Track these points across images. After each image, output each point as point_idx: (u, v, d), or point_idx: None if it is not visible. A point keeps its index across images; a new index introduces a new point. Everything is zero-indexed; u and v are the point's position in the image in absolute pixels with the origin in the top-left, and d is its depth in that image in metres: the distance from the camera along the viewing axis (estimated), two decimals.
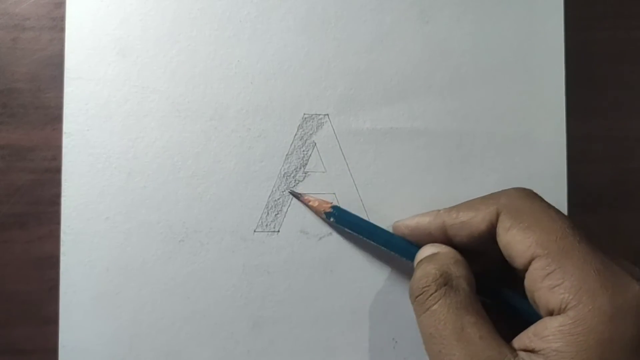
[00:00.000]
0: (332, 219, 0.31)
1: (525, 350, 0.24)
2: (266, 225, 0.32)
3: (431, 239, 0.29)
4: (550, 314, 0.24)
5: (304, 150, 0.32)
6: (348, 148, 0.33)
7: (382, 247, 0.31)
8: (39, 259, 0.32)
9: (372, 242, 0.31)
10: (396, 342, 0.32)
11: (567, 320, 0.23)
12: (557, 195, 0.33)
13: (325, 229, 0.32)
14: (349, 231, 0.32)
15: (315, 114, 0.32)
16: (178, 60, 0.32)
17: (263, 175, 0.32)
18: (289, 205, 0.32)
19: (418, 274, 0.27)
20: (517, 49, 0.33)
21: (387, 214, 0.32)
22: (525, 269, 0.25)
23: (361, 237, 0.31)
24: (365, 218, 0.32)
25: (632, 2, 0.37)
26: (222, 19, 0.32)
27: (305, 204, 0.32)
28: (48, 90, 0.33)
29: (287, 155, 0.32)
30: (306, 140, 0.32)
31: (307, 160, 0.32)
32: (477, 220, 0.27)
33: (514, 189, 0.28)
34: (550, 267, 0.24)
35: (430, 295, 0.26)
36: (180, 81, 0.32)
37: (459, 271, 0.26)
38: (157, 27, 0.32)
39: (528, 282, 0.25)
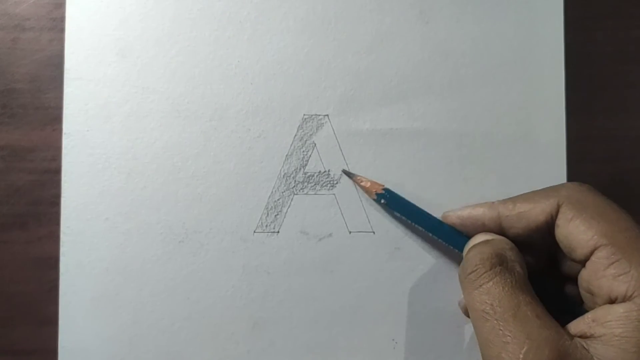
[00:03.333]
0: (382, 201, 0.31)
1: (581, 337, 0.24)
2: (266, 225, 0.32)
3: (482, 229, 0.29)
4: (612, 302, 0.24)
5: (303, 151, 0.32)
6: (348, 148, 0.33)
7: (431, 234, 0.31)
8: (38, 260, 0.32)
9: (420, 228, 0.31)
10: (396, 342, 0.32)
11: (634, 307, 0.23)
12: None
13: (325, 229, 0.32)
14: (398, 215, 0.32)
15: (315, 115, 0.32)
16: (178, 61, 0.32)
17: (263, 176, 0.32)
18: (289, 206, 0.32)
19: (471, 253, 0.27)
20: (517, 49, 0.33)
21: (387, 214, 0.32)
22: (586, 259, 0.25)
23: (410, 222, 0.31)
24: (365, 218, 0.32)
25: (632, 2, 0.37)
26: (221, 19, 0.32)
27: (358, 183, 0.32)
28: (48, 90, 0.33)
29: (287, 155, 0.32)
30: (306, 140, 0.32)
31: (307, 160, 0.32)
32: (535, 212, 0.27)
33: (572, 183, 0.28)
34: (616, 256, 0.24)
35: (485, 272, 0.26)
36: (180, 82, 0.32)
37: (513, 256, 0.27)
38: (156, 27, 0.32)
39: (588, 271, 0.25)
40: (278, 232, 0.32)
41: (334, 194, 0.32)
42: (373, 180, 0.32)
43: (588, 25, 0.36)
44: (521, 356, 0.23)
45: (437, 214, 0.32)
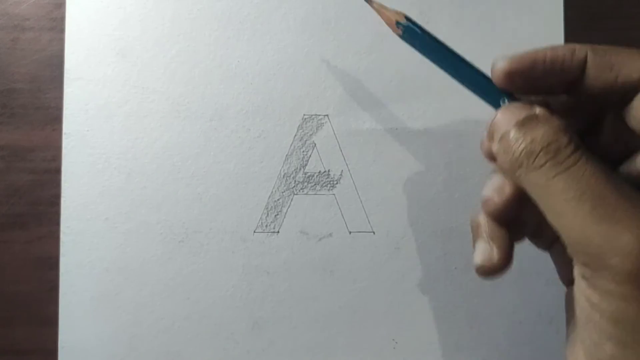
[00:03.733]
0: (401, 28, 0.26)
1: None
2: (266, 225, 0.32)
3: (558, 76, 0.24)
4: None
5: (303, 151, 0.32)
6: (348, 148, 0.33)
7: (457, 80, 0.26)
8: (38, 260, 0.32)
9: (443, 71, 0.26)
10: (396, 342, 0.32)
11: None
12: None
13: (325, 229, 0.32)
14: (419, 52, 0.26)
15: (315, 115, 0.32)
16: (178, 61, 0.32)
17: (263, 176, 0.32)
18: (289, 206, 0.32)
19: (538, 125, 0.21)
20: (517, 49, 0.33)
21: (387, 214, 0.32)
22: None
23: (432, 61, 0.26)
24: (365, 218, 0.32)
25: (632, 2, 0.37)
26: (221, 19, 0.32)
27: (376, 10, 0.27)
28: (48, 90, 0.33)
29: (287, 155, 0.32)
30: (306, 140, 0.32)
31: (307, 160, 0.32)
32: (632, 66, 0.23)
33: None
34: None
35: (567, 149, 0.21)
36: (180, 82, 0.32)
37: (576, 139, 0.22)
38: (156, 27, 0.32)
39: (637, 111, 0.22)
40: (278, 232, 0.32)
41: (334, 194, 0.32)
42: (392, 8, 0.27)
43: (588, 25, 0.36)
44: None
45: (437, 214, 0.32)
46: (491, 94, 0.25)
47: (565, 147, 0.21)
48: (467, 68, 0.26)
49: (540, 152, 0.21)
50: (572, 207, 0.20)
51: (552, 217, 0.21)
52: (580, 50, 0.23)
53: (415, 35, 0.26)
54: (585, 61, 0.23)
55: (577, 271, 0.22)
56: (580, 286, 0.22)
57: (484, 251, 0.25)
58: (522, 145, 0.21)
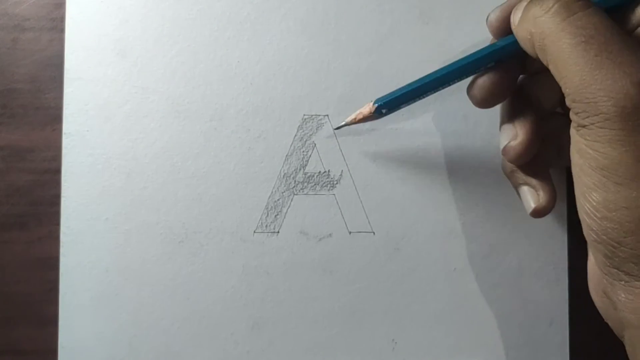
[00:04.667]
0: (384, 111, 0.29)
1: None
2: (266, 226, 0.32)
3: None
4: None
5: (303, 151, 0.32)
6: (348, 148, 0.33)
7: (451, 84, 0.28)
8: (38, 260, 0.32)
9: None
10: (396, 342, 0.32)
11: None
12: (557, 195, 0.33)
13: (325, 229, 0.32)
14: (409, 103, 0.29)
15: (315, 115, 0.32)
16: (178, 61, 0.32)
17: (263, 176, 0.32)
18: (289, 206, 0.32)
19: None
20: None
21: (387, 214, 0.32)
22: None
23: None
24: (365, 218, 0.32)
25: None
26: (221, 19, 0.32)
27: (355, 123, 0.30)
28: (48, 90, 0.33)
29: (287, 156, 0.32)
30: (306, 141, 0.32)
31: (307, 161, 0.32)
32: None
33: None
34: None
35: (577, 5, 0.23)
36: (180, 82, 0.32)
37: None
38: (156, 27, 0.32)
39: None
40: (278, 232, 0.32)
41: (334, 194, 0.32)
42: (360, 111, 0.30)
43: None
44: None
45: (437, 214, 0.32)
46: (484, 62, 0.27)
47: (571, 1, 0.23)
48: (451, 73, 0.28)
49: (554, 5, 0.23)
50: (578, 52, 0.22)
51: (558, 68, 0.22)
52: None
53: (392, 105, 0.29)
54: None
55: (572, 125, 0.23)
56: (574, 140, 0.23)
57: (533, 196, 0.28)
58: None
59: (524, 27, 0.24)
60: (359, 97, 0.32)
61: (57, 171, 0.32)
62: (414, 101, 0.29)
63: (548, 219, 0.32)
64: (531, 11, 0.24)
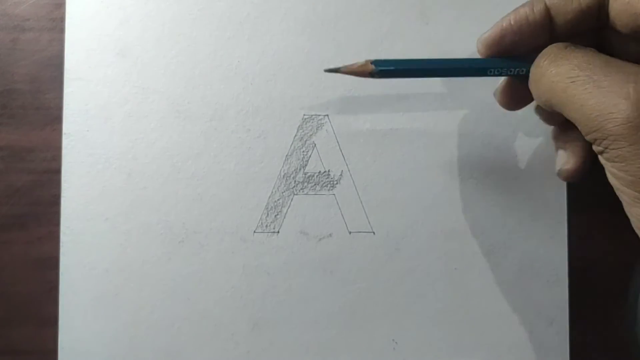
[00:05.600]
0: (376, 73, 0.29)
1: None
2: (266, 226, 0.32)
3: (532, 31, 0.27)
4: None
5: (303, 151, 0.32)
6: (348, 148, 0.33)
7: (444, 76, 0.30)
8: (38, 260, 0.32)
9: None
10: (396, 342, 0.32)
11: None
12: (557, 195, 0.33)
13: (325, 229, 0.32)
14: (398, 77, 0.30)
15: (315, 115, 0.32)
16: (178, 61, 0.32)
17: (263, 176, 0.32)
18: (289, 206, 0.32)
19: (543, 50, 0.26)
20: None
21: (387, 214, 0.32)
22: None
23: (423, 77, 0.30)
24: (365, 218, 0.32)
25: None
26: (222, 19, 0.32)
27: (347, 74, 0.29)
28: (48, 91, 0.33)
29: (287, 156, 0.32)
30: (306, 141, 0.32)
31: (307, 161, 0.32)
32: None
33: None
34: None
35: (561, 51, 0.25)
36: (180, 82, 0.32)
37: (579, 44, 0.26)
38: (157, 27, 0.32)
39: None
40: (278, 232, 0.32)
41: (334, 194, 0.32)
42: (357, 63, 0.29)
43: None
44: (631, 90, 0.22)
45: (436, 215, 0.32)
46: (477, 69, 0.28)
47: (565, 47, 0.25)
48: (448, 65, 0.29)
49: (550, 55, 0.25)
50: (572, 92, 0.23)
51: (566, 112, 0.24)
52: (537, 2, 0.27)
53: (389, 71, 0.29)
54: (547, 8, 0.26)
55: (598, 153, 0.24)
56: (604, 165, 0.24)
57: (562, 158, 0.29)
58: (542, 58, 0.26)
59: (536, 94, 0.26)
60: (359, 96, 0.33)
61: (57, 171, 0.32)
62: (412, 76, 0.29)
63: (548, 219, 0.32)
64: (533, 78, 0.26)
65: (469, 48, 0.33)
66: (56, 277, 0.31)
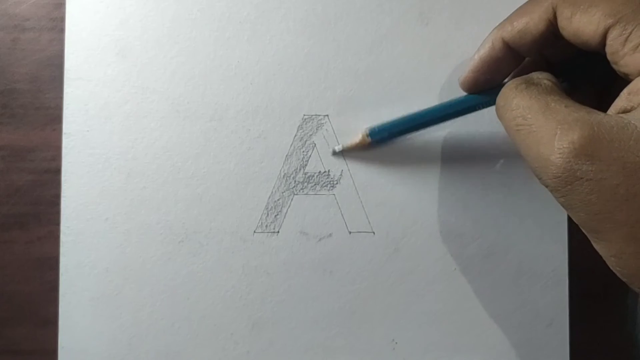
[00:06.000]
0: (377, 137, 0.31)
1: (621, 113, 0.23)
2: (266, 226, 0.32)
3: (499, 65, 0.28)
4: None
5: (303, 151, 0.32)
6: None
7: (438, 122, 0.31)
8: (38, 260, 0.32)
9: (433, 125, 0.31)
10: (396, 342, 0.32)
11: None
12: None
13: (325, 229, 0.32)
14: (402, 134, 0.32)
15: (315, 115, 0.32)
16: (178, 61, 0.32)
17: (263, 176, 0.32)
18: (289, 206, 0.32)
19: (501, 90, 0.26)
20: None
21: (387, 214, 0.32)
22: (604, 46, 0.24)
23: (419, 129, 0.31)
24: (365, 218, 0.32)
25: None
26: (221, 20, 0.32)
27: (352, 149, 0.32)
28: (48, 91, 0.33)
29: (287, 156, 0.32)
30: (306, 141, 0.32)
31: (307, 161, 0.32)
32: (534, 23, 0.26)
33: None
34: (627, 29, 0.23)
35: (512, 93, 0.25)
36: (179, 82, 0.32)
37: (540, 75, 0.26)
38: (156, 28, 0.32)
39: (610, 56, 0.24)
40: (278, 232, 0.32)
41: (334, 194, 0.32)
42: (355, 139, 0.32)
43: None
44: (555, 143, 0.22)
45: (437, 215, 0.32)
46: (469, 106, 0.30)
47: (516, 87, 0.25)
48: (442, 110, 0.30)
49: (503, 97, 0.26)
50: (517, 139, 0.24)
51: (521, 153, 0.25)
52: (496, 40, 0.28)
53: (383, 136, 0.31)
54: (505, 43, 0.27)
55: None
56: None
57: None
58: (499, 99, 0.26)
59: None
60: (359, 97, 0.33)
61: (57, 171, 0.32)
62: (408, 133, 0.32)
63: (548, 219, 0.32)
64: (498, 113, 0.27)
65: (468, 49, 0.33)
66: (56, 276, 0.31)
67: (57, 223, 0.31)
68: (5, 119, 0.33)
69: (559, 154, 0.22)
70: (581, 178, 0.22)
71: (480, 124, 0.33)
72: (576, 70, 0.28)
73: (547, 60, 0.29)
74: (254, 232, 0.32)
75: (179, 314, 0.32)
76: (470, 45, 0.33)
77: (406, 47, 0.33)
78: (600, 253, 0.23)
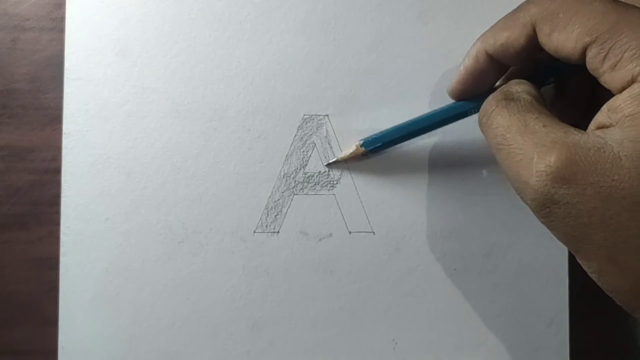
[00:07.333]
0: (371, 148, 0.32)
1: (601, 128, 0.23)
2: (266, 226, 0.32)
3: (485, 76, 0.28)
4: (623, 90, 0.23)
5: (303, 151, 0.32)
6: (348, 149, 0.33)
7: (441, 125, 0.31)
8: (38, 260, 0.32)
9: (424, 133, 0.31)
10: (396, 342, 0.32)
11: (637, 85, 0.22)
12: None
13: (325, 229, 0.32)
14: (396, 143, 0.32)
15: (315, 115, 0.32)
16: (178, 61, 0.32)
17: (263, 176, 0.32)
18: (289, 206, 0.32)
19: (483, 103, 0.27)
20: None
21: (387, 214, 0.32)
22: (585, 62, 0.24)
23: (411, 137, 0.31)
24: (365, 218, 0.32)
25: None
26: (221, 19, 0.32)
27: (345, 160, 0.32)
28: (48, 90, 0.33)
29: (287, 156, 0.32)
30: (306, 140, 0.32)
31: (307, 160, 0.32)
32: (515, 37, 0.26)
33: None
34: (605, 47, 0.23)
35: (492, 110, 0.25)
36: (179, 82, 0.32)
37: (520, 88, 0.26)
38: (156, 27, 0.32)
39: (592, 72, 0.24)
40: (278, 232, 0.32)
41: (334, 194, 0.32)
42: (348, 150, 0.32)
43: None
44: (533, 166, 0.22)
45: (437, 214, 0.32)
46: (461, 111, 0.30)
47: (497, 104, 0.25)
48: (433, 118, 0.30)
49: (484, 113, 0.26)
50: (499, 158, 0.25)
51: (504, 171, 0.25)
52: (480, 53, 0.28)
53: (377, 146, 0.31)
54: (489, 56, 0.27)
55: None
56: None
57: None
58: (481, 114, 0.27)
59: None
60: (359, 97, 0.33)
61: (57, 171, 0.32)
62: (401, 141, 0.32)
63: None
64: (481, 129, 0.27)
65: (468, 48, 0.33)
66: (56, 276, 0.31)
67: (57, 223, 0.31)
68: (5, 119, 0.33)
69: (537, 178, 0.22)
70: (558, 202, 0.22)
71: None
72: (564, 69, 0.28)
73: (535, 61, 0.29)
74: (254, 232, 0.32)
75: (179, 314, 0.32)
76: (470, 45, 0.33)
77: (406, 46, 0.33)
78: (584, 268, 0.23)
